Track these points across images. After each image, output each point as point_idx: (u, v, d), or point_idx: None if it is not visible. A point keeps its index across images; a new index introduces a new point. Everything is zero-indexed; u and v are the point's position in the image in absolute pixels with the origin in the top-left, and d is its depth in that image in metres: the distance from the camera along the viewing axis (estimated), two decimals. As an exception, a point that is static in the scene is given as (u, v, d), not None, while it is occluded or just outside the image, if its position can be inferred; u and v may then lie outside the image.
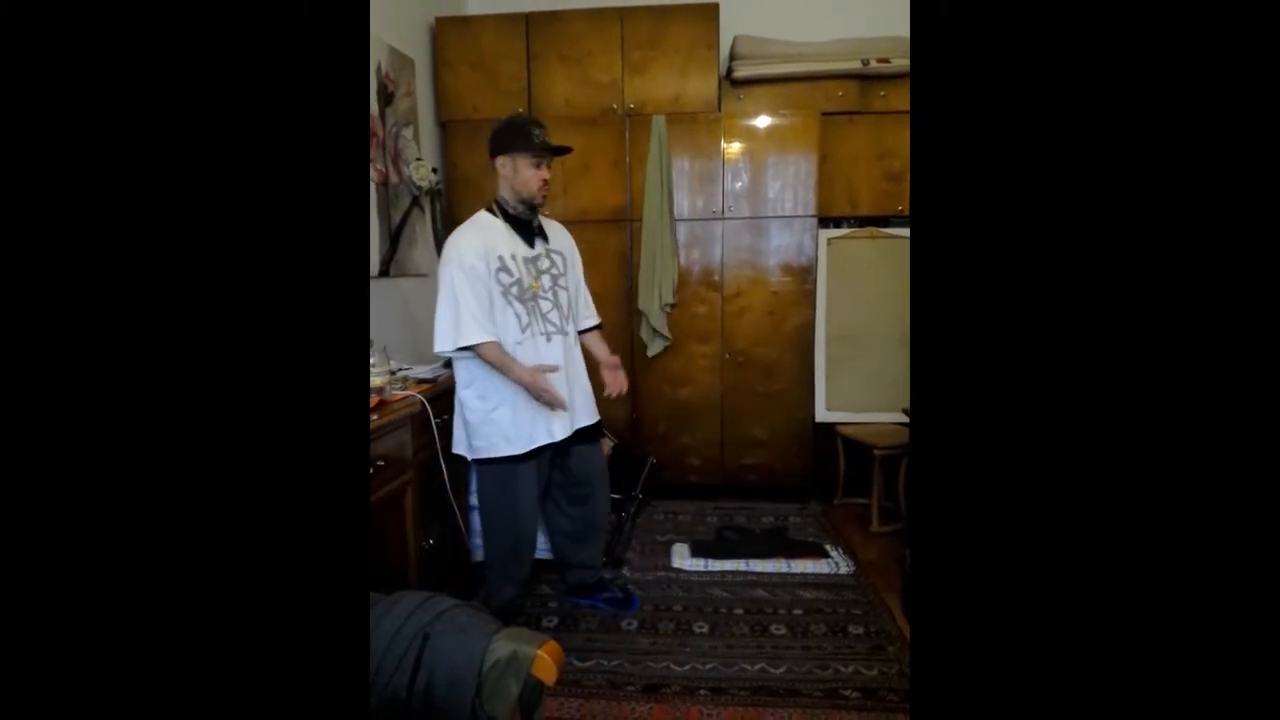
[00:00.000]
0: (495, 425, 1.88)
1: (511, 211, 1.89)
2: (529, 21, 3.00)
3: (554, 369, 1.89)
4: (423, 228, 2.90)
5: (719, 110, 3.02)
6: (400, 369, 2.07)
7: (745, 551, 2.60)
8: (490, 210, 1.91)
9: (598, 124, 3.01)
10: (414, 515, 1.89)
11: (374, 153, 2.51)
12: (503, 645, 1.11)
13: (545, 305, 1.90)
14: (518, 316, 1.86)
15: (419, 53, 2.94)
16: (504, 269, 1.84)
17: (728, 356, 3.09)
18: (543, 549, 2.45)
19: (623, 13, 2.97)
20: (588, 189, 3.03)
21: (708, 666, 1.90)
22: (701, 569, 2.50)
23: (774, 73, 3.02)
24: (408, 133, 2.77)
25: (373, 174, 2.49)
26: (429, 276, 2.97)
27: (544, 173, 1.86)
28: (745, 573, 2.47)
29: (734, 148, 3.00)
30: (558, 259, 1.95)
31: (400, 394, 1.87)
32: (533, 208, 1.89)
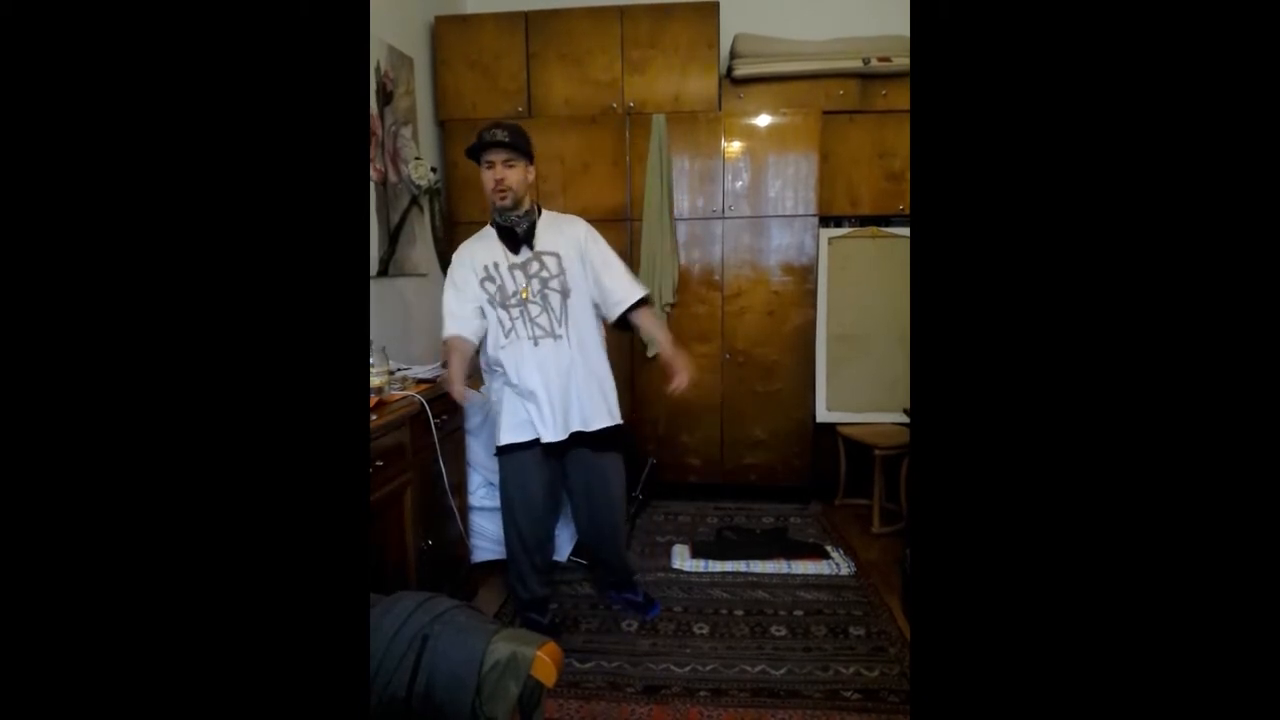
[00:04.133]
0: (499, 415, 2.02)
1: (498, 220, 1.95)
2: (528, 20, 3.00)
3: (459, 392, 1.90)
4: (421, 227, 2.89)
5: (719, 109, 3.02)
6: (399, 369, 2.07)
7: (745, 552, 2.60)
8: (491, 222, 2.00)
9: (597, 123, 3.00)
10: (413, 515, 1.89)
11: (373, 152, 2.50)
12: (502, 646, 1.10)
13: (534, 310, 1.93)
14: (500, 323, 1.94)
15: (418, 52, 2.93)
16: (489, 278, 1.94)
17: (728, 356, 3.09)
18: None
19: (622, 11, 2.96)
20: (587, 188, 3.03)
21: (708, 668, 1.90)
22: (702, 570, 2.49)
23: (774, 71, 3.02)
24: (407, 132, 2.76)
25: (371, 173, 2.48)
26: (428, 276, 2.97)
27: (494, 172, 1.86)
28: (745, 574, 2.47)
29: (734, 147, 3.00)
30: (549, 260, 1.95)
31: (399, 394, 1.87)
32: (507, 212, 1.90)
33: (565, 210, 2.99)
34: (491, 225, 1.99)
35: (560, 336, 1.93)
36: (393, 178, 2.64)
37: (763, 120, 2.99)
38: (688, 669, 1.90)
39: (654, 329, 2.08)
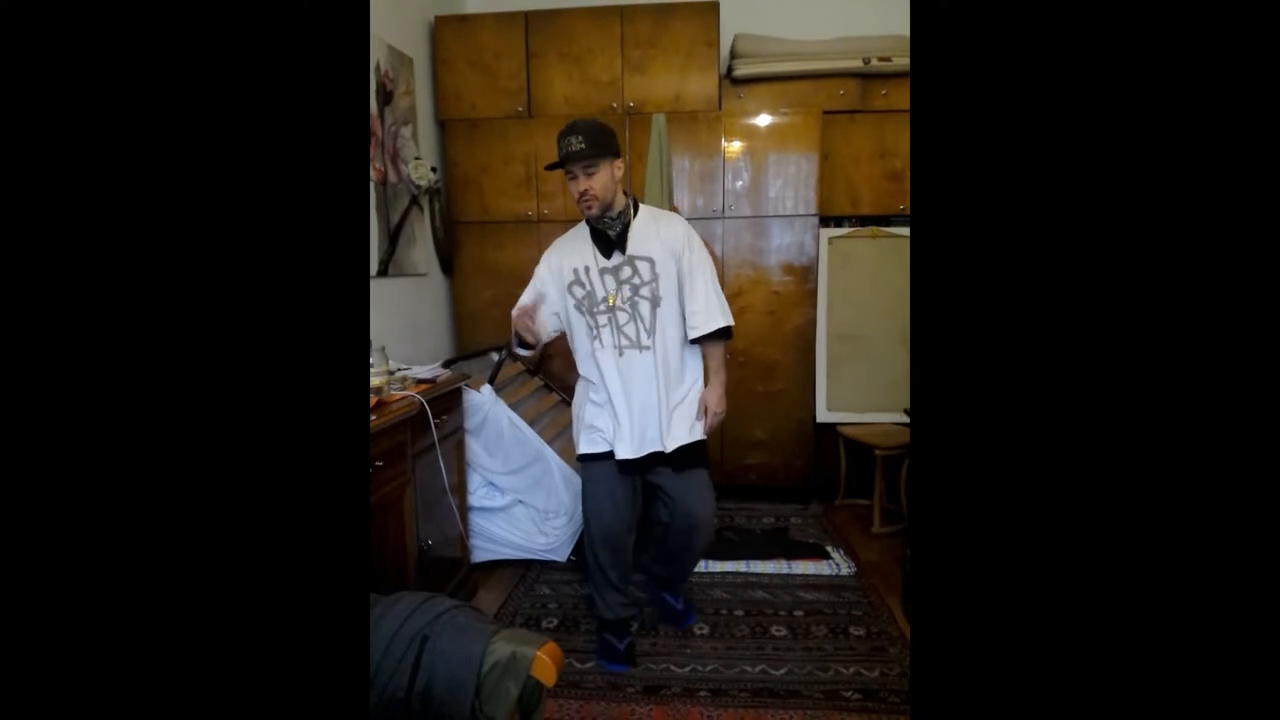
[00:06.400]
0: (578, 423, 1.94)
1: (591, 222, 1.81)
2: (528, 19, 3.00)
3: (530, 311, 1.76)
4: (421, 227, 2.89)
5: (719, 109, 3.02)
6: (399, 369, 2.07)
7: (746, 552, 2.59)
8: (585, 219, 1.84)
9: (598, 123, 3.00)
10: (412, 516, 1.88)
11: (373, 152, 2.50)
12: (502, 646, 1.10)
13: (623, 318, 1.80)
14: (589, 329, 1.83)
15: (418, 51, 2.93)
16: (577, 282, 1.82)
17: (728, 356, 3.05)
18: (544, 548, 2.45)
19: (623, 11, 2.96)
20: (588, 188, 3.03)
21: (708, 668, 1.90)
22: (702, 570, 2.49)
23: (775, 71, 3.01)
24: (406, 131, 2.76)
25: (371, 173, 2.48)
26: (428, 276, 2.97)
27: (578, 184, 1.72)
28: (746, 574, 2.46)
29: (734, 146, 3.00)
30: (642, 266, 1.79)
31: (399, 394, 1.86)
32: (600, 218, 1.77)
33: (566, 209, 3.03)
34: (586, 224, 1.84)
35: (647, 348, 1.80)
36: (392, 178, 2.64)
37: (763, 120, 2.99)
38: (688, 669, 1.89)
39: (712, 367, 1.91)
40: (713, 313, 1.84)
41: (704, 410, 1.90)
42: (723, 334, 1.86)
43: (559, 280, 1.84)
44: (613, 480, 1.87)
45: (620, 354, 1.81)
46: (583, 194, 1.72)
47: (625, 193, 1.84)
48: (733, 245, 3.05)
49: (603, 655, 1.94)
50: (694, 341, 1.86)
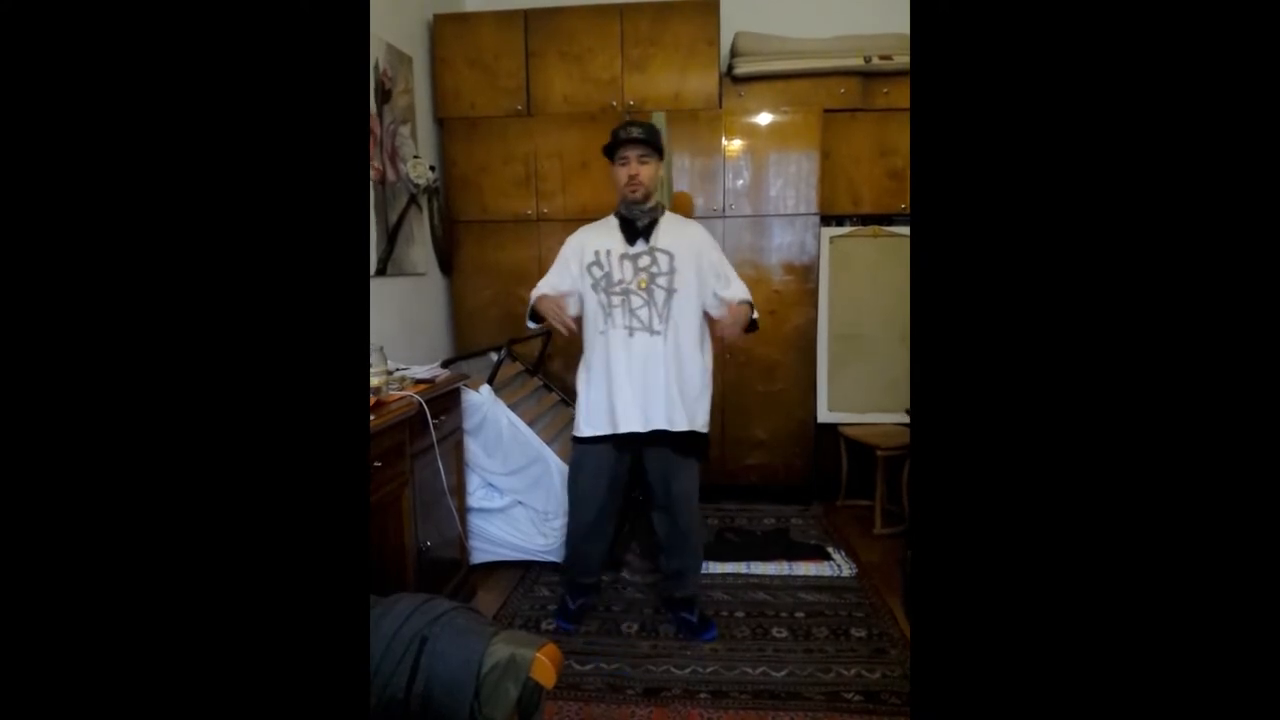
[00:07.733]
0: (579, 405, 2.05)
1: (622, 211, 2.00)
2: (528, 18, 2.99)
3: (561, 301, 1.95)
4: (420, 226, 2.88)
5: (720, 107, 3.00)
6: (397, 369, 2.05)
7: (746, 554, 2.58)
8: (615, 212, 2.04)
9: (597, 121, 2.99)
10: (411, 517, 1.87)
11: (371, 150, 2.49)
12: (501, 648, 1.10)
13: (637, 301, 1.94)
14: (601, 307, 1.96)
15: (417, 50, 2.92)
16: (596, 263, 1.98)
17: (728, 356, 3.06)
18: (543, 549, 2.43)
19: (622, 9, 2.95)
20: (586, 186, 3.02)
21: (708, 670, 1.89)
22: (702, 571, 2.47)
23: (775, 69, 3.00)
24: (405, 130, 2.75)
25: (370, 172, 2.47)
26: (426, 275, 2.96)
27: (629, 168, 1.93)
28: (746, 575, 2.45)
29: (735, 145, 2.99)
30: (662, 258, 1.96)
31: (397, 394, 1.85)
32: (634, 205, 1.95)
33: (565, 208, 3.02)
34: (615, 215, 2.03)
35: (659, 333, 1.94)
36: (391, 176, 2.63)
37: (764, 118, 2.98)
38: (688, 671, 1.88)
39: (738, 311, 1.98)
40: (744, 289, 2.03)
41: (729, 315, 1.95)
42: (751, 314, 1.97)
43: (580, 257, 1.99)
44: (606, 462, 2.02)
45: (630, 334, 1.95)
46: (633, 176, 1.93)
47: (658, 199, 2.05)
48: (733, 244, 3.03)
49: (559, 612, 2.18)
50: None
